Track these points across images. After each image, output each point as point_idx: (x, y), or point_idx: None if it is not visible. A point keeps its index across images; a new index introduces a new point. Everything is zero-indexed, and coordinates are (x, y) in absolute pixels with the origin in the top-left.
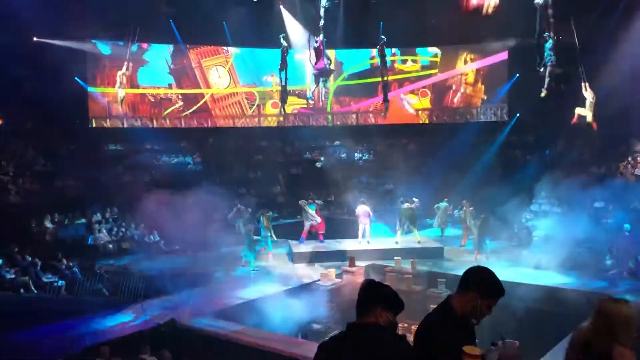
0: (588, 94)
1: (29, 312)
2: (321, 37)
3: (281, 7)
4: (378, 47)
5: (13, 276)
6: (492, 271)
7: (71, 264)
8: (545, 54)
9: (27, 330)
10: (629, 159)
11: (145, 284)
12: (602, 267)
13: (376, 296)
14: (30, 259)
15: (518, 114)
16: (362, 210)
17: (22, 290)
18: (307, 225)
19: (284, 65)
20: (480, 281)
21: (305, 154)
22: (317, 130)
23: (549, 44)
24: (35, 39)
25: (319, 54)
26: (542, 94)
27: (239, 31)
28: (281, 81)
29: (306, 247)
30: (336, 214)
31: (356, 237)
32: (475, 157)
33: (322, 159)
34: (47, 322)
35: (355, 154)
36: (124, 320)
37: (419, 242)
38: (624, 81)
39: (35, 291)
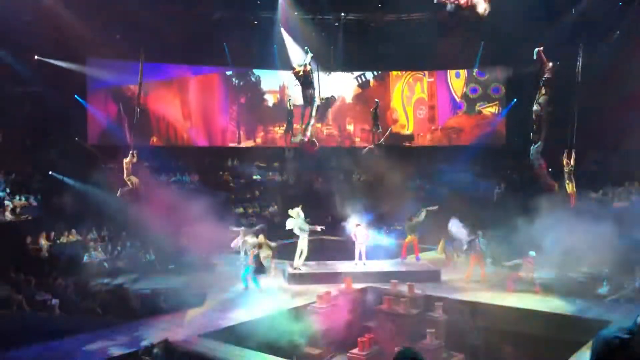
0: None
1: (21, 331)
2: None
3: (282, 29)
4: (372, 109)
5: (7, 293)
6: None
7: (65, 283)
8: (531, 157)
9: (20, 349)
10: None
11: (140, 304)
12: (598, 293)
13: None
14: (24, 276)
15: (516, 139)
16: (359, 232)
17: (15, 308)
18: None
19: (289, 127)
20: None
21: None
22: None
23: (536, 147)
24: (36, 57)
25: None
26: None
27: (239, 53)
28: (287, 142)
29: (302, 268)
30: (333, 235)
31: (353, 258)
32: (473, 180)
33: (320, 179)
34: (40, 340)
35: (353, 175)
36: (117, 340)
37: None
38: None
39: (29, 309)
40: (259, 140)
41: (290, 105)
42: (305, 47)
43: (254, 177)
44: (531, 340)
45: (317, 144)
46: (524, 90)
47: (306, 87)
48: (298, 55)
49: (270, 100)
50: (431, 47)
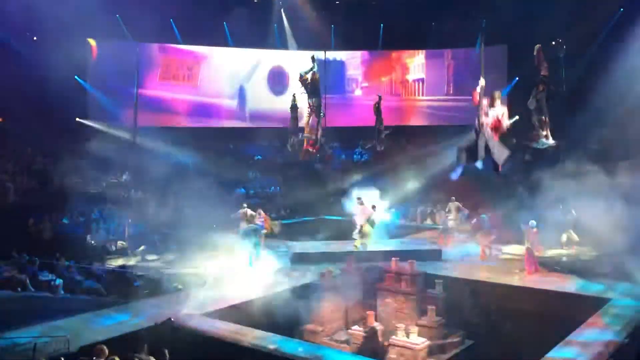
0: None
1: (25, 311)
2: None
3: (282, 11)
4: (375, 104)
5: (10, 274)
6: None
7: (69, 263)
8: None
9: (24, 329)
10: None
11: (143, 283)
12: (598, 270)
13: None
14: (28, 257)
15: (517, 117)
16: (359, 210)
17: (19, 289)
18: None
19: (294, 124)
20: None
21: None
22: None
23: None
24: (34, 38)
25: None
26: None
27: (239, 32)
28: (290, 138)
29: (304, 248)
30: (335, 215)
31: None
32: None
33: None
34: (44, 320)
35: (354, 156)
36: (121, 320)
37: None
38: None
39: (33, 289)
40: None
41: (294, 100)
42: (312, 55)
43: (256, 157)
44: (532, 318)
45: (330, 152)
46: (526, 70)
47: (313, 96)
48: (299, 36)
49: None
50: (432, 26)
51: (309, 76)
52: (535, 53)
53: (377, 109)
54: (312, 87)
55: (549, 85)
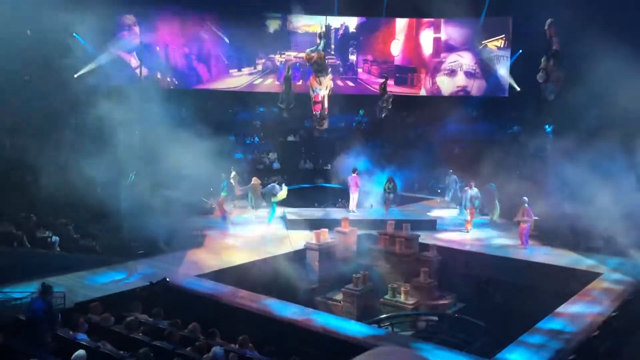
0: None
1: (21, 267)
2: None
3: None
4: (381, 84)
5: (7, 230)
6: None
7: (66, 221)
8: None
9: (20, 284)
10: None
11: (139, 243)
12: (590, 244)
13: None
14: (25, 214)
15: (519, 89)
16: (352, 179)
17: (15, 245)
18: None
19: (288, 90)
20: None
21: (304, 121)
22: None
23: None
24: None
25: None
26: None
27: None
28: (287, 104)
29: (300, 214)
30: (331, 183)
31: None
32: (473, 132)
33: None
34: (39, 276)
35: (353, 124)
36: (117, 278)
37: None
38: None
39: (29, 246)
40: (259, 67)
41: (288, 71)
42: (319, 32)
43: (254, 122)
44: (523, 289)
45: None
46: (530, 42)
47: (320, 75)
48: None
49: (271, 26)
50: None
51: (315, 54)
52: (546, 27)
53: (384, 90)
54: (319, 65)
55: (561, 60)
